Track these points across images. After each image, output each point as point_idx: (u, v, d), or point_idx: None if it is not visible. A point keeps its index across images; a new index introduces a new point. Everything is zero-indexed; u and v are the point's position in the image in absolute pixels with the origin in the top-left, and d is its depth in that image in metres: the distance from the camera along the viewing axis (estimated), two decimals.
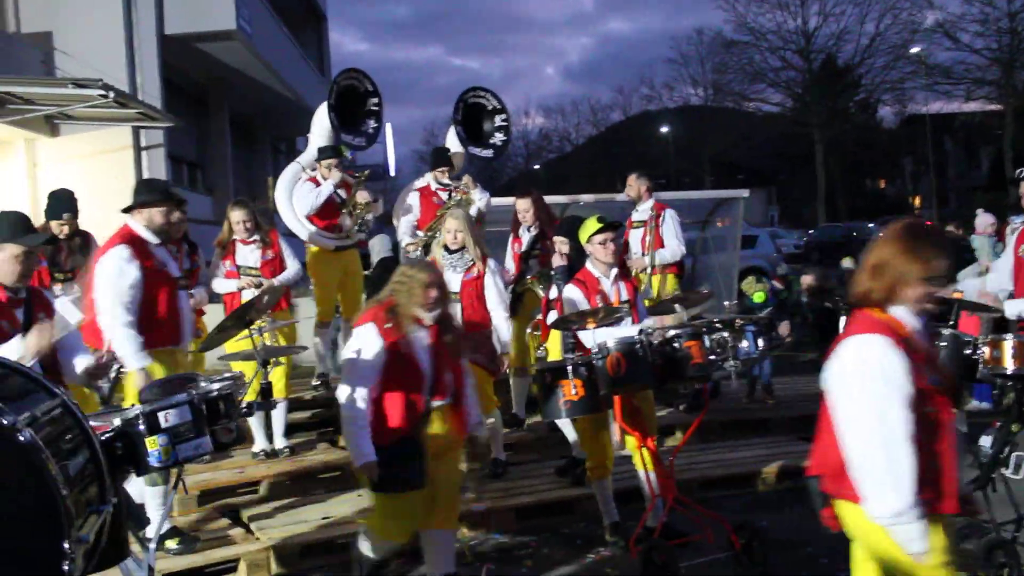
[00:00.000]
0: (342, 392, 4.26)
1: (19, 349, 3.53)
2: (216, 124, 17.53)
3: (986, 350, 4.07)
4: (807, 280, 9.78)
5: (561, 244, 6.08)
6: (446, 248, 6.04)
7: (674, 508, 5.10)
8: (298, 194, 7.38)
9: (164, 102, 13.52)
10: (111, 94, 10.34)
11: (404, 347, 4.30)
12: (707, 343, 4.75)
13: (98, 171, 12.85)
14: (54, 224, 6.37)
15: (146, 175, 13.52)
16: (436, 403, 4.48)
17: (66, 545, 2.37)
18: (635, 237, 8.05)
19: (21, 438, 2.34)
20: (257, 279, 6.47)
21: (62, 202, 6.50)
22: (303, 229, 7.35)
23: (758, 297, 8.55)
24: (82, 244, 6.53)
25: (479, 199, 7.35)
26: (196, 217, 15.13)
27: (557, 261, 6.29)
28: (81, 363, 3.96)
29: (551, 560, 5.33)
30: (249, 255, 6.68)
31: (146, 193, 5.25)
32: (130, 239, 5.08)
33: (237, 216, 6.62)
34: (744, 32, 49.07)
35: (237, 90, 17.30)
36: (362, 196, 7.54)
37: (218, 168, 17.45)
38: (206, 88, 17.09)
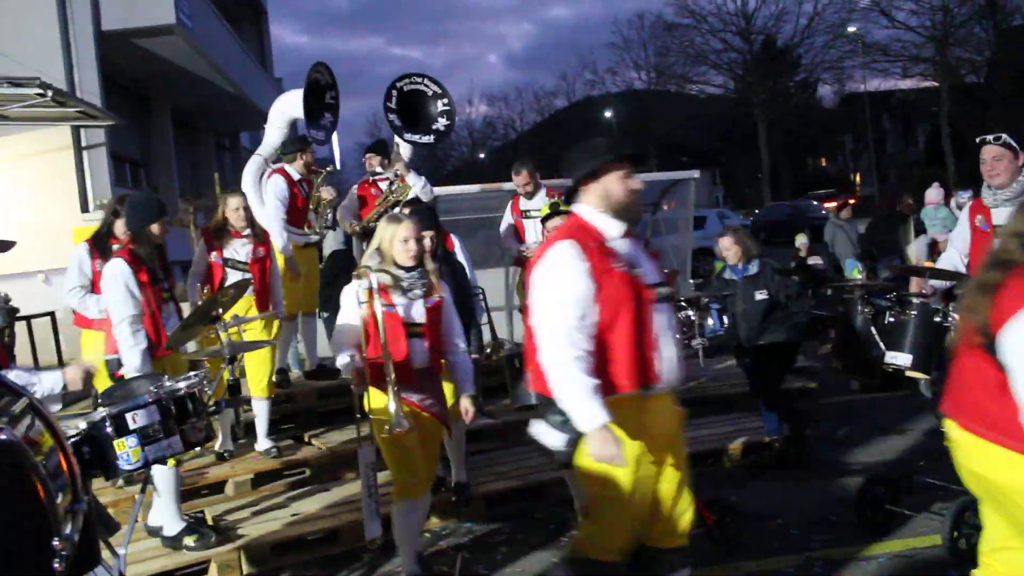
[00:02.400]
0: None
1: (59, 380, 3.50)
2: (158, 121, 17.19)
3: (956, 317, 4.13)
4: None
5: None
6: (397, 265, 4.45)
7: None
8: (271, 189, 7.21)
9: (104, 100, 13.22)
10: (49, 93, 10.09)
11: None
12: None
13: (38, 172, 12.56)
14: (156, 227, 5.14)
15: (88, 175, 13.24)
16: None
17: (56, 543, 2.31)
18: (531, 227, 7.85)
19: (3, 436, 2.26)
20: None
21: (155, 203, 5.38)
22: (277, 224, 7.15)
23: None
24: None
25: (415, 184, 7.25)
26: None
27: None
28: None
29: (525, 546, 5.31)
30: (240, 249, 6.25)
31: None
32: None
33: (235, 203, 6.21)
34: (685, 15, 49.55)
35: (178, 86, 16.96)
36: (326, 192, 7.45)
37: (162, 165, 17.13)
38: (146, 85, 16.74)
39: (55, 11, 12.94)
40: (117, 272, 4.93)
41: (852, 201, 12.99)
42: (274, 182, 7.25)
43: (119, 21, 13.57)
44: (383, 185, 7.55)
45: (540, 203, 7.63)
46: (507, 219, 8.11)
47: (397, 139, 7.75)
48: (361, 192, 7.71)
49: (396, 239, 4.32)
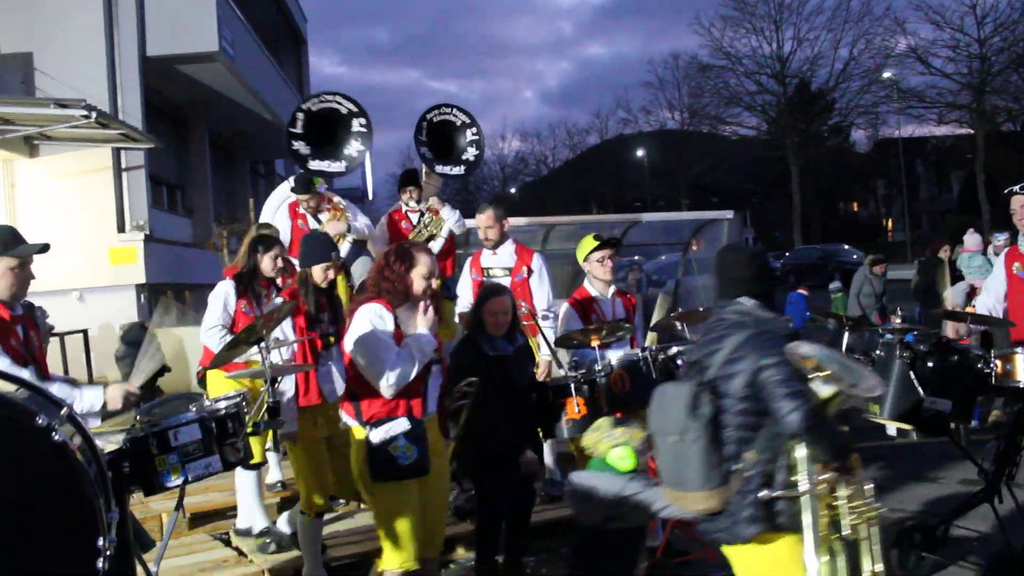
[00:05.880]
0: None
1: (100, 397, 3.54)
2: (196, 146, 17.42)
3: (998, 363, 4.09)
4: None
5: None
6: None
7: (674, 527, 5.07)
8: (280, 221, 7.09)
9: (145, 123, 13.43)
10: (93, 115, 10.27)
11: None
12: None
13: (78, 191, 12.76)
14: (317, 270, 4.99)
15: (126, 196, 13.43)
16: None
17: (100, 542, 2.37)
18: None
19: (56, 437, 2.36)
20: None
21: (326, 244, 5.18)
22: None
23: None
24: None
25: (450, 219, 7.21)
26: (176, 239, 15.07)
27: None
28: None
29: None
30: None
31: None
32: None
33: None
34: (720, 56, 49.67)
35: (217, 112, 17.22)
36: (332, 228, 7.01)
37: (198, 189, 17.33)
38: (186, 110, 17.00)
39: (103, 36, 13.20)
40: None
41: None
42: (280, 211, 7.14)
43: (163, 47, 13.84)
44: (414, 217, 7.54)
45: (507, 259, 6.56)
46: (465, 278, 6.82)
47: (427, 171, 7.72)
48: (391, 224, 7.59)
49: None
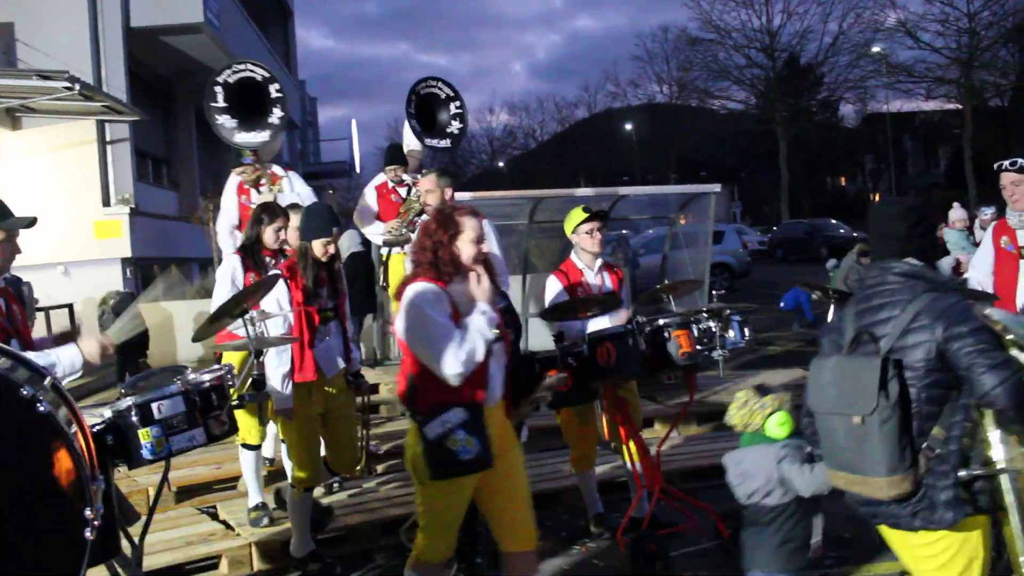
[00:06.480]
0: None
1: (78, 355, 3.44)
2: (182, 118, 17.30)
3: None
4: None
5: None
6: None
7: (659, 499, 5.10)
8: (227, 199, 7.03)
9: (129, 95, 13.31)
10: (76, 86, 10.17)
11: None
12: (695, 332, 4.76)
13: (62, 165, 12.64)
14: (317, 244, 4.81)
15: (111, 169, 13.33)
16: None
17: (88, 512, 2.38)
18: None
19: (41, 408, 2.36)
20: None
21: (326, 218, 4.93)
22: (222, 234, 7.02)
23: None
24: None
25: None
26: (162, 212, 14.97)
27: None
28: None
29: (538, 553, 5.29)
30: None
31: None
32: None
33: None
34: (709, 30, 49.40)
35: (203, 84, 16.96)
36: (262, 199, 6.76)
37: (184, 163, 17.22)
38: (172, 82, 16.85)
39: (86, 6, 13.07)
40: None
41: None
42: (227, 191, 7.04)
43: (148, 18, 13.70)
44: (403, 191, 7.52)
45: None
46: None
47: (413, 144, 7.69)
48: (380, 199, 7.58)
49: None
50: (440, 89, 7.72)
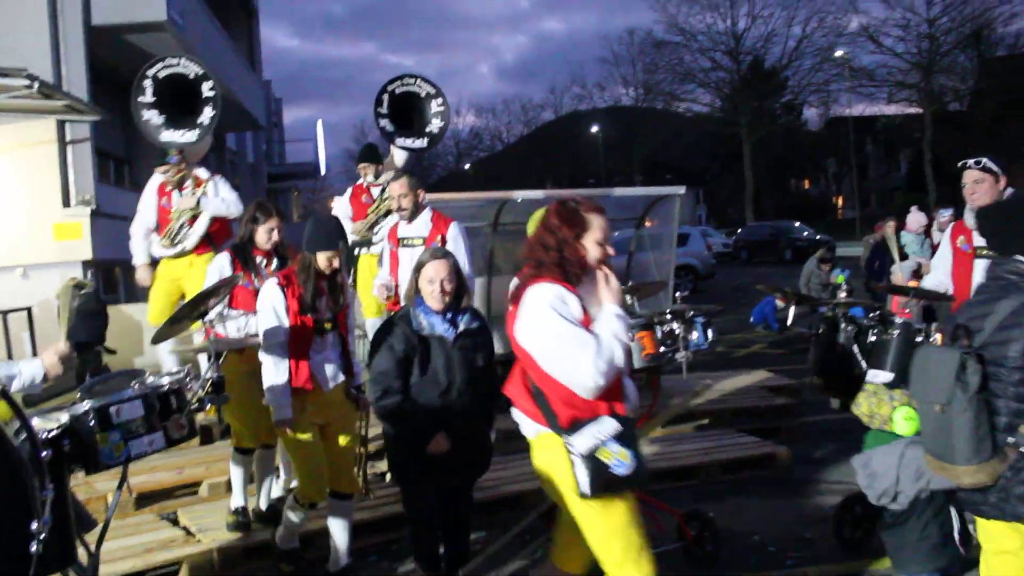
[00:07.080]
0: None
1: (39, 368, 3.36)
2: None
3: (938, 338, 4.18)
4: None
5: None
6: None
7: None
8: (146, 200, 6.96)
9: (91, 95, 13.11)
10: (35, 85, 9.99)
11: None
12: (659, 334, 4.78)
13: (20, 165, 12.41)
14: (321, 257, 4.58)
15: (71, 170, 13.11)
16: None
17: (34, 525, 2.30)
18: (408, 259, 5.93)
19: None
20: None
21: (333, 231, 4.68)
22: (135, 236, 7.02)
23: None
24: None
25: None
26: (124, 214, 14.76)
27: None
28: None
29: (502, 556, 5.29)
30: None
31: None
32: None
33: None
34: (675, 33, 49.93)
35: None
36: (183, 203, 6.78)
37: (146, 163, 16.89)
38: (134, 81, 16.62)
39: (45, 3, 12.84)
40: (265, 296, 4.61)
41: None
42: (147, 193, 6.94)
43: (109, 16, 13.48)
44: (375, 192, 7.50)
45: (423, 229, 6.19)
46: (385, 250, 6.55)
47: (399, 160, 7.64)
48: (352, 199, 7.59)
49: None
50: (420, 87, 7.60)
